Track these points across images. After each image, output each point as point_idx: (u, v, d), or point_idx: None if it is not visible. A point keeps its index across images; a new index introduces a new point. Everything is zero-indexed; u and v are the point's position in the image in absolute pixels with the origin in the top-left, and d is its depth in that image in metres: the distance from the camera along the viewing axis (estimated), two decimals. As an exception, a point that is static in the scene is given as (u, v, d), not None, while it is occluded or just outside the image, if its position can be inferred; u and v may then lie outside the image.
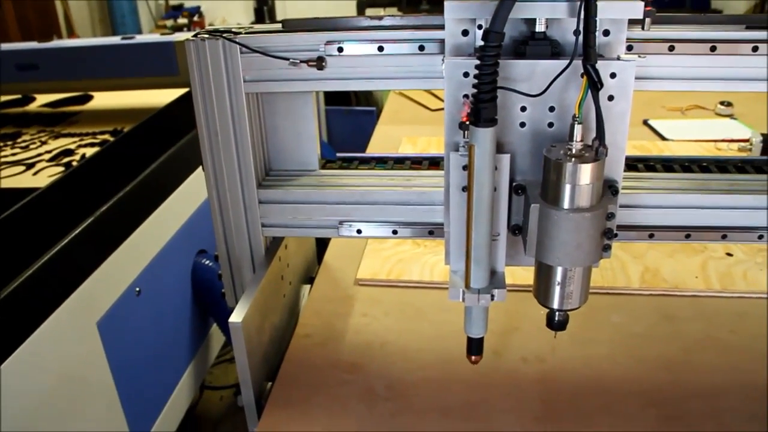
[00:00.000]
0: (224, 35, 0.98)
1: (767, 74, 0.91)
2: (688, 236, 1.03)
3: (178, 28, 4.59)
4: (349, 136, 3.09)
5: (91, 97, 2.73)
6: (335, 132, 3.57)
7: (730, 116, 2.29)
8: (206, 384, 2.32)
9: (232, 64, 0.98)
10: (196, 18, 4.60)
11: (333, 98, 3.66)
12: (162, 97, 2.41)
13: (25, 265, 1.31)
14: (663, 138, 2.11)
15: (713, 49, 0.90)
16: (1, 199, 1.62)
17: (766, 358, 1.10)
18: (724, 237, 1.03)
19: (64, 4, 4.20)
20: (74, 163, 1.99)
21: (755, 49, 0.89)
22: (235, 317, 0.97)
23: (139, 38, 2.43)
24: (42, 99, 2.76)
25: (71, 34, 4.28)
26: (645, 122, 2.23)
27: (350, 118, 3.47)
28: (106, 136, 2.23)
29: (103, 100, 2.70)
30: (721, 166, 1.12)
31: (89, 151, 2.08)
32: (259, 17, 4.87)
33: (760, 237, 1.03)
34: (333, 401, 1.03)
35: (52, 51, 2.40)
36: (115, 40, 2.43)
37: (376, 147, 2.11)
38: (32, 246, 1.39)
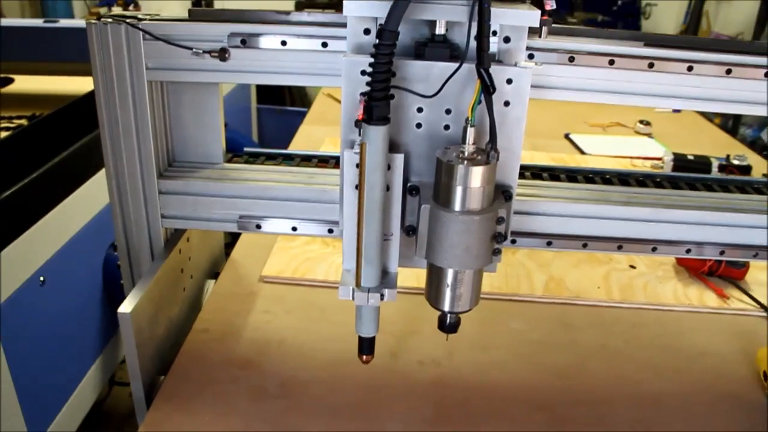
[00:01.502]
0: (128, 20, 0.96)
1: (660, 90, 0.94)
2: (585, 245, 1.05)
3: (114, 18, 4.44)
4: (280, 136, 3.06)
5: (12, 80, 2.64)
6: (267, 131, 3.55)
7: (648, 135, 2.35)
8: (116, 379, 2.26)
9: (135, 50, 0.96)
10: (131, 8, 4.49)
11: (266, 97, 3.64)
12: (86, 84, 2.35)
13: None
14: (582, 152, 2.15)
15: (611, 62, 0.92)
16: None
17: (653, 368, 1.13)
18: (620, 248, 1.06)
19: (-8, -16, 4.07)
20: (-15, 146, 1.92)
21: (651, 65, 0.92)
22: (125, 307, 0.95)
23: (63, 22, 2.37)
24: (-40, 81, 2.66)
25: (-1, 16, 4.14)
26: (566, 136, 2.27)
27: (282, 117, 3.45)
28: (23, 121, 2.16)
29: (24, 84, 2.62)
30: (623, 179, 1.15)
31: (3, 135, 2.01)
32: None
33: (654, 249, 1.06)
34: (222, 397, 1.02)
35: (-31, 31, 2.33)
36: (38, 22, 2.36)
37: (298, 146, 2.10)
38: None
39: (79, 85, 2.40)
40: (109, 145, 1.02)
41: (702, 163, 1.92)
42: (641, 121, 2.38)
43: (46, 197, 1.69)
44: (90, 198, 1.85)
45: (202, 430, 0.97)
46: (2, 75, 2.63)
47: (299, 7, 4.17)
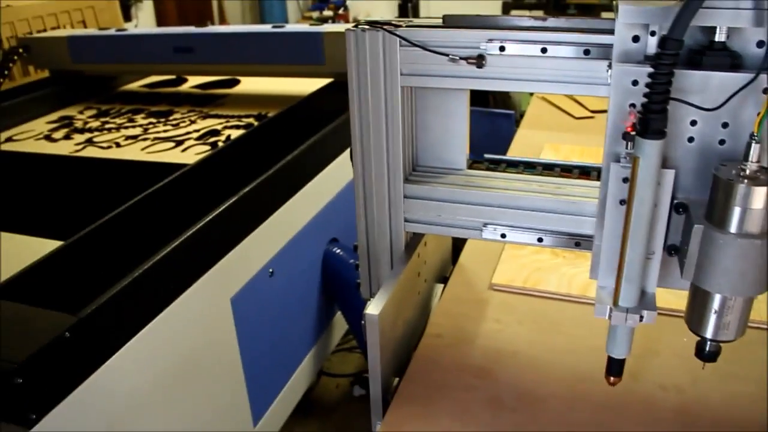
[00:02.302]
0: (385, 27, 0.98)
1: None
2: None
3: (324, 20, 4.69)
4: (486, 139, 3.04)
5: (238, 82, 2.82)
6: (472, 133, 3.54)
7: None
8: (324, 370, 2.35)
9: (391, 56, 0.98)
10: (341, 11, 4.68)
11: (471, 99, 3.64)
12: (306, 85, 2.46)
13: (170, 238, 1.37)
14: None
15: None
16: (151, 172, 1.70)
17: None
18: None
19: (218, -6, 4.40)
20: (220, 143, 2.06)
21: None
22: (372, 310, 0.97)
23: (289, 27, 2.49)
24: (193, 81, 2.88)
25: (222, 21, 4.46)
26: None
27: (488, 120, 3.43)
28: (251, 120, 2.30)
29: (249, 85, 2.79)
30: None
31: (234, 133, 2.15)
32: (403, 13, 4.91)
33: None
34: (458, 405, 1.02)
35: (207, 36, 2.50)
36: (266, 28, 2.49)
37: (516, 151, 2.07)
38: (178, 220, 1.44)
39: (298, 86, 2.53)
40: (360, 149, 1.05)
41: None
42: None
43: (277, 194, 1.78)
44: (314, 196, 1.93)
45: (441, 434, 0.98)
46: (230, 77, 2.82)
47: (506, 9, 4.15)
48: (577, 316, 1.19)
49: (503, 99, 4.02)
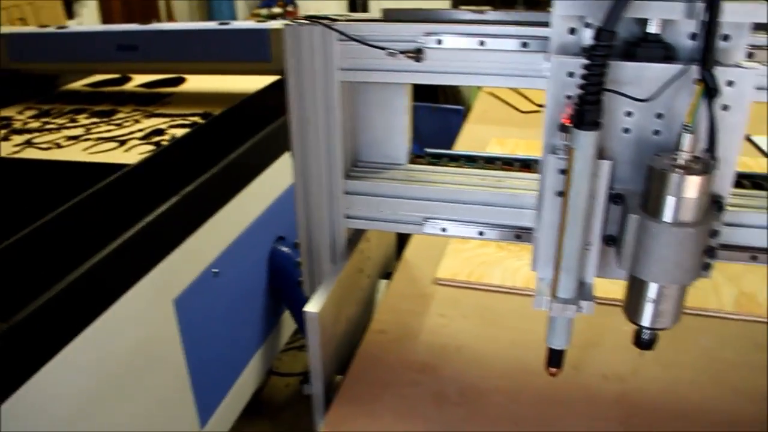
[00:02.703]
0: (322, 21, 0.96)
1: None
2: (795, 261, 0.97)
3: (273, 17, 4.64)
4: (436, 134, 3.05)
5: (184, 80, 2.78)
6: (422, 129, 3.54)
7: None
8: (274, 369, 2.33)
9: (329, 51, 0.97)
10: (290, 8, 4.65)
11: (420, 95, 3.64)
12: (253, 83, 2.43)
13: (110, 239, 1.34)
14: (766, 155, 2.00)
15: None
16: (93, 173, 1.65)
17: None
18: (836, 265, 0.96)
19: (165, -11, 4.32)
20: (164, 143, 2.03)
21: None
22: (312, 307, 0.96)
23: (235, 24, 2.45)
24: (138, 79, 2.82)
25: (170, 19, 4.39)
26: (747, 138, 2.12)
27: (437, 115, 3.43)
28: (197, 119, 2.26)
29: (196, 83, 2.75)
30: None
31: (179, 132, 2.11)
32: (353, 10, 4.88)
33: None
34: (402, 401, 1.01)
35: (151, 33, 2.45)
36: (212, 25, 2.46)
37: (463, 146, 2.07)
38: (118, 221, 1.41)
39: (245, 84, 2.50)
40: (299, 145, 1.04)
41: None
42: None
43: (220, 194, 1.75)
44: (260, 193, 1.91)
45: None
46: (175, 75, 2.77)
47: (456, 3, 4.16)
48: (521, 309, 1.20)
49: (453, 94, 4.03)
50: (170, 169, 1.70)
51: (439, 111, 3.47)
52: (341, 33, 0.95)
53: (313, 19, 0.98)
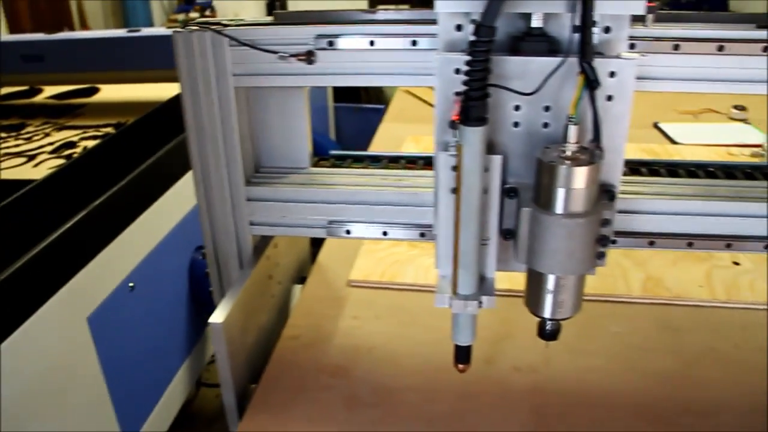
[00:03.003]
0: (213, 27, 0.95)
1: (776, 76, 0.87)
2: (690, 244, 0.99)
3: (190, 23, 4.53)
4: (357, 134, 3.05)
5: (97, 90, 2.71)
6: (344, 129, 3.53)
7: (744, 121, 2.23)
8: (203, 381, 2.29)
9: (220, 57, 0.95)
10: (207, 12, 4.58)
11: (342, 95, 3.63)
12: (169, 90, 2.39)
13: (16, 257, 1.29)
14: (673, 142, 2.06)
15: (720, 48, 0.86)
16: (-1, 190, 1.60)
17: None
18: (728, 246, 0.99)
19: (77, -5, 4.20)
20: (75, 156, 1.97)
21: (766, 49, 0.85)
22: (216, 317, 0.94)
23: (145, 31, 2.40)
24: (50, 91, 2.74)
25: (84, 26, 4.28)
26: (656, 125, 2.18)
27: (359, 115, 3.44)
28: (110, 129, 2.21)
29: (110, 93, 2.68)
30: (728, 171, 1.08)
31: (91, 144, 2.06)
32: (271, 13, 4.81)
33: (767, 246, 0.99)
34: (315, 406, 1.00)
35: (58, 43, 2.38)
36: (121, 32, 2.40)
37: (379, 145, 2.08)
38: (24, 238, 1.36)
39: (161, 91, 2.45)
40: (197, 154, 1.02)
41: (808, 149, 1.81)
42: (736, 107, 2.26)
43: (133, 205, 1.71)
44: (174, 203, 1.86)
45: (296, 439, 0.96)
46: (88, 85, 2.70)
47: (372, 4, 4.17)
48: (434, 307, 1.19)
49: (376, 93, 4.04)
50: (80, 182, 1.65)
51: (361, 111, 3.47)
52: (232, 38, 0.94)
53: (203, 25, 0.96)
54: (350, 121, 3.49)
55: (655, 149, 1.98)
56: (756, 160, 1.83)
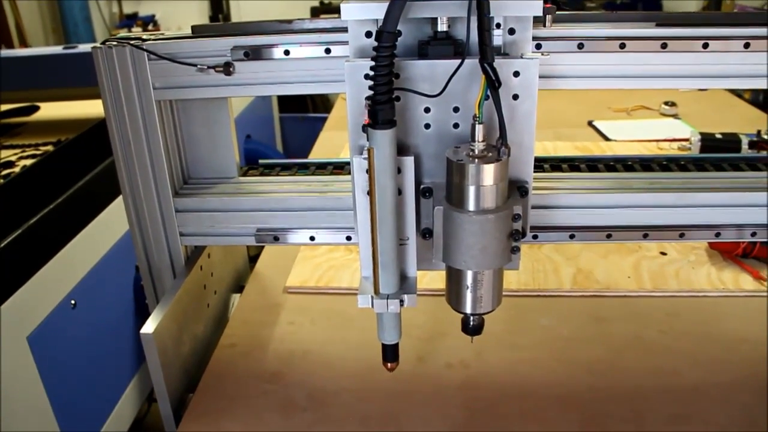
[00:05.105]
0: (132, 42, 0.96)
1: (675, 71, 0.91)
2: (609, 236, 1.03)
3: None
4: (302, 143, 3.07)
5: (37, 108, 2.68)
6: (291, 139, 3.54)
7: (674, 116, 2.30)
8: (154, 397, 2.27)
9: (140, 71, 0.96)
10: (150, 27, 4.55)
11: (289, 105, 3.64)
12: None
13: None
14: (606, 138, 2.11)
15: (623, 46, 0.89)
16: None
17: (691, 358, 1.10)
18: (645, 236, 1.03)
19: (14, 12, 4.13)
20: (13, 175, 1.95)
21: (664, 46, 0.89)
22: (147, 328, 0.95)
23: (82, 47, 2.39)
24: (-14, 111, 2.70)
25: (23, 44, 4.22)
26: (590, 123, 2.23)
27: (305, 125, 3.45)
28: (49, 147, 2.19)
29: (50, 110, 2.66)
30: (645, 165, 1.12)
31: (30, 163, 2.03)
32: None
33: (681, 235, 1.03)
34: (251, 412, 1.01)
35: (-8, 61, 2.36)
36: (57, 49, 2.39)
37: (318, 154, 2.09)
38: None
39: (102, 108, 2.43)
40: (123, 168, 1.02)
41: (731, 141, 1.87)
42: (666, 103, 2.33)
43: (73, 221, 1.70)
44: (116, 219, 1.85)
45: (231, 447, 0.97)
46: (28, 103, 2.67)
47: (315, 13, 4.18)
48: (370, 310, 1.21)
49: (323, 102, 4.05)
50: (17, 200, 1.64)
51: (306, 120, 3.49)
52: (151, 53, 0.95)
53: (123, 40, 0.97)
54: (296, 130, 3.51)
55: (588, 147, 2.02)
56: (683, 153, 1.89)
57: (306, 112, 3.76)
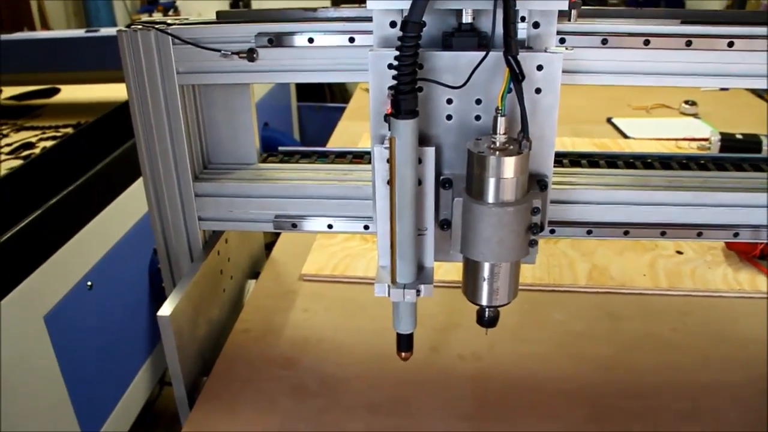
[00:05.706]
0: (157, 26, 0.96)
1: (699, 69, 0.90)
2: (626, 233, 1.03)
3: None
4: (321, 133, 3.07)
5: (58, 90, 2.70)
6: (308, 128, 3.55)
7: (694, 115, 2.29)
8: (166, 380, 2.29)
9: (165, 56, 0.97)
10: (171, 12, 4.56)
11: (306, 94, 3.65)
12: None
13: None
14: (625, 136, 2.10)
15: (647, 43, 0.89)
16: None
17: (703, 357, 1.10)
18: (663, 234, 1.03)
19: (38, -4, 4.17)
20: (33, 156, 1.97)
21: (689, 43, 0.89)
22: (164, 311, 0.96)
23: (104, 31, 2.41)
24: (9, 92, 2.73)
25: (45, 27, 4.24)
26: (609, 120, 2.22)
27: (322, 114, 3.45)
28: (69, 130, 2.21)
29: (70, 93, 2.67)
30: (664, 163, 1.12)
31: (50, 145, 2.05)
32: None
33: (699, 234, 1.03)
34: (263, 396, 1.02)
35: (14, 43, 2.37)
36: (80, 32, 2.40)
37: (336, 143, 2.10)
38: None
39: (121, 92, 2.44)
40: (145, 151, 1.03)
41: (751, 142, 1.86)
42: (687, 102, 2.32)
43: (90, 203, 1.72)
44: (134, 202, 1.87)
45: (243, 430, 0.97)
46: (49, 86, 2.69)
47: (336, 2, 4.18)
48: (384, 299, 1.22)
49: (340, 92, 4.05)
50: (37, 182, 1.66)
51: (323, 110, 3.49)
52: (175, 37, 0.96)
53: (148, 24, 0.98)
54: (313, 120, 3.51)
55: (607, 144, 2.02)
56: (702, 153, 1.88)
57: (324, 101, 3.76)
